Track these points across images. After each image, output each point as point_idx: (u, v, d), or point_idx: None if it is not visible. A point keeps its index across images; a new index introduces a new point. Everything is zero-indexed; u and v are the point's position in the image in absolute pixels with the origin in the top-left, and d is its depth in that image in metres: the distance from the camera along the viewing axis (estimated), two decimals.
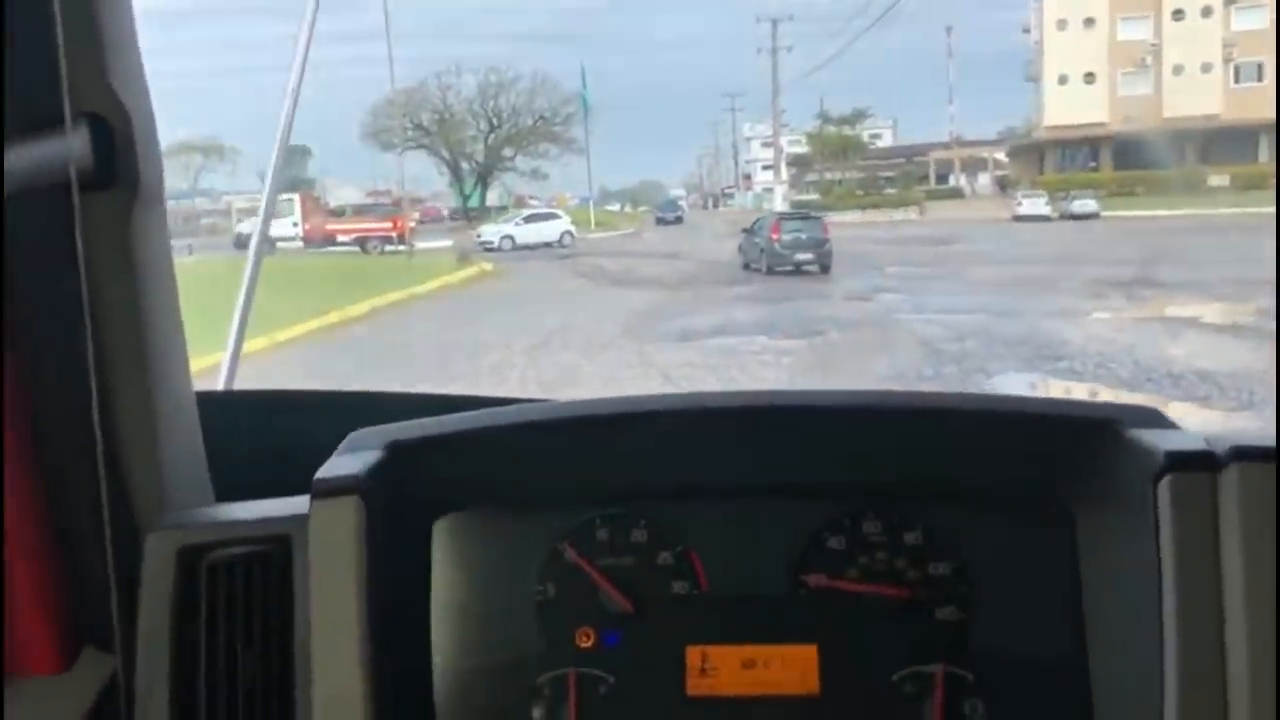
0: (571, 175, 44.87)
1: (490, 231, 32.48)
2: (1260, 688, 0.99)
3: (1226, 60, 40.43)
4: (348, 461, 1.11)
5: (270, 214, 2.07)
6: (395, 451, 1.13)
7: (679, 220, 44.11)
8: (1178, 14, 41.20)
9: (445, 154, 47.45)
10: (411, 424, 1.17)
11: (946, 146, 50.97)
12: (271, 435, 1.38)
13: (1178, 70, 41.11)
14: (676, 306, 16.19)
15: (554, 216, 34.39)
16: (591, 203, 41.31)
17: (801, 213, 27.07)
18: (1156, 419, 1.13)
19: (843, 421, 1.20)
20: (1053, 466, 1.15)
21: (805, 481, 1.21)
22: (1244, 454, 1.03)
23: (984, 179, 49.45)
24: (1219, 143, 37.68)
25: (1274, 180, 31.52)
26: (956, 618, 1.18)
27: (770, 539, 1.20)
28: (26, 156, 0.98)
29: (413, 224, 29.50)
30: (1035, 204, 35.81)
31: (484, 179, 48.47)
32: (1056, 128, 42.99)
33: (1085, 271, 18.17)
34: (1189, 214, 29.12)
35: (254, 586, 1.09)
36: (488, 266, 23.00)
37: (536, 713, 1.18)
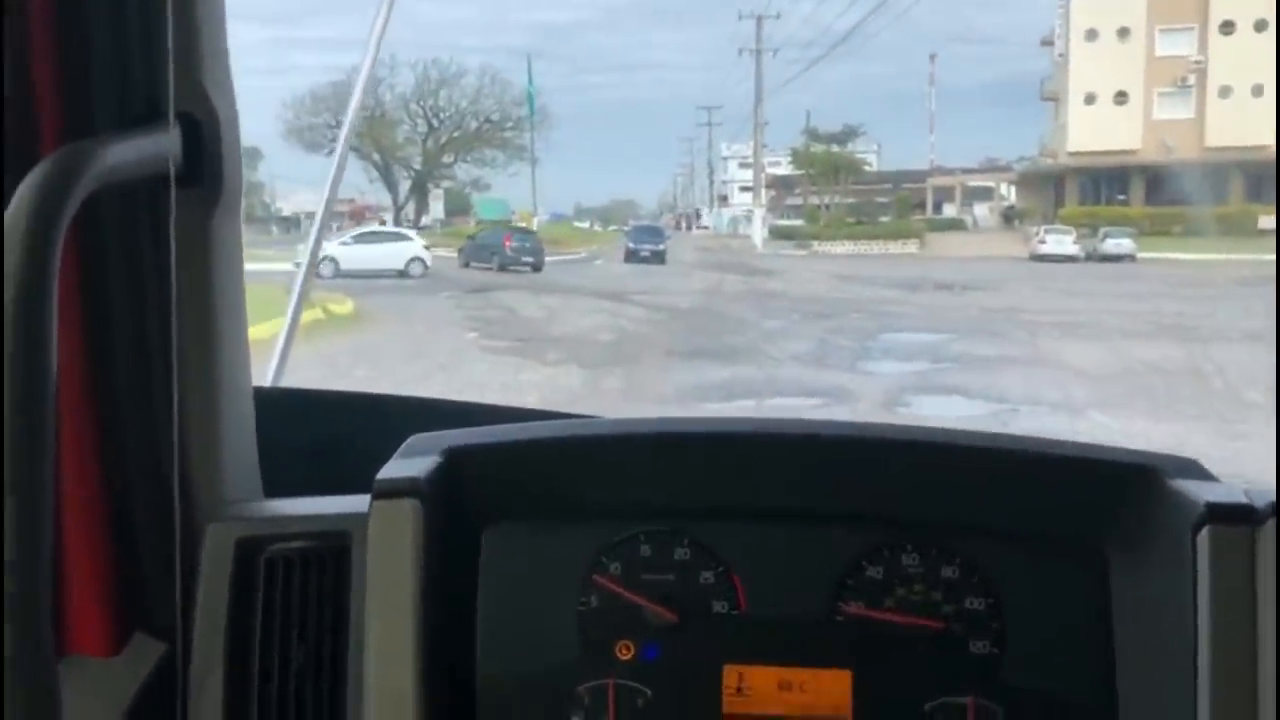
0: (526, 187, 39.00)
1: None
2: None
3: None
4: (408, 464, 1.15)
5: (329, 215, 2.08)
6: (453, 457, 1.18)
7: (658, 258, 30.50)
8: (1226, 27, 35.57)
9: (376, 157, 41.79)
10: (469, 431, 1.22)
11: (947, 173, 45.62)
12: (319, 434, 1.41)
13: (1224, 92, 35.48)
14: (595, 402, 9.67)
15: (401, 238, 27.12)
16: (537, 220, 34.71)
17: (523, 228, 32.13)
18: (1196, 470, 1.15)
19: (886, 455, 1.23)
20: (1090, 511, 1.18)
21: (847, 511, 1.23)
22: None
23: (981, 210, 43.98)
24: (1270, 178, 31.91)
25: None
26: (988, 652, 1.19)
27: (811, 565, 1.22)
28: (115, 153, 0.98)
29: None
30: (1061, 242, 30.38)
31: (421, 186, 42.78)
32: (1080, 154, 37.28)
33: (1232, 355, 11.76)
34: (1249, 259, 23.04)
35: (310, 581, 1.15)
36: (341, 309, 15.69)
37: None
